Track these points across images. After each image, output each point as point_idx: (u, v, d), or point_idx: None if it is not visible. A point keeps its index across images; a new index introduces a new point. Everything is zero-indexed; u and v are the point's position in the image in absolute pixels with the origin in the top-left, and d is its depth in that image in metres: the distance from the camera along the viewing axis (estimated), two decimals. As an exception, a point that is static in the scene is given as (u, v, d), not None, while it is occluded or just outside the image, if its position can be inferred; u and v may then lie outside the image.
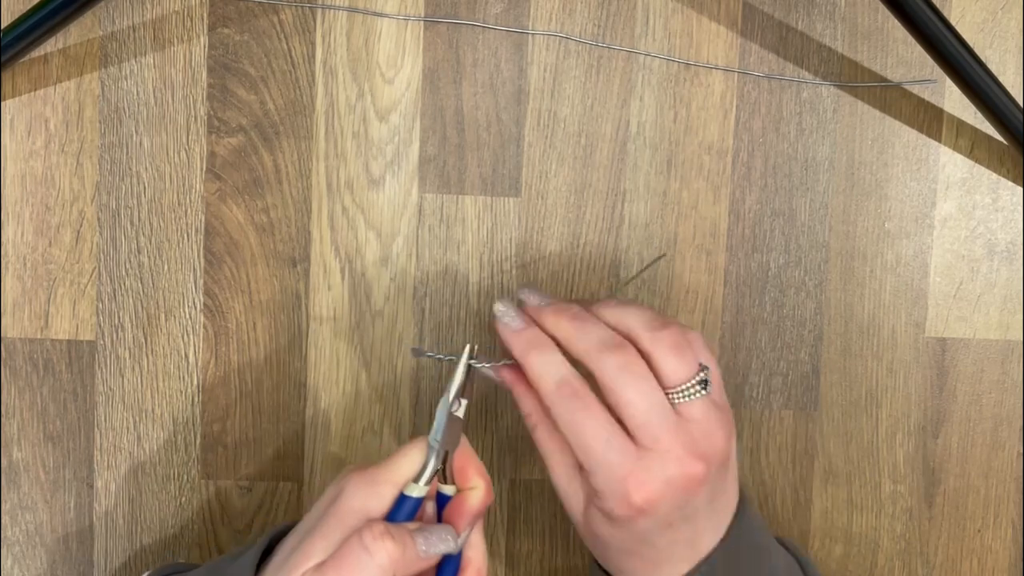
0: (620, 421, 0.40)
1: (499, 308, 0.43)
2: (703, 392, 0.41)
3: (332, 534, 0.39)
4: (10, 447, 0.53)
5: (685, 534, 0.42)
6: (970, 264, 0.55)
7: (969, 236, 0.55)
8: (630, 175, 0.54)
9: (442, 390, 0.54)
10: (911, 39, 0.49)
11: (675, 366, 0.40)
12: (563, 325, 0.42)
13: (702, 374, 0.41)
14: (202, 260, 0.53)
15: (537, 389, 0.42)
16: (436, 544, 0.40)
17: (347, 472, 0.41)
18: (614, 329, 0.42)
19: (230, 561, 0.43)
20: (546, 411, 0.42)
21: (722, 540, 0.43)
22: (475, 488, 0.42)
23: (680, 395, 0.41)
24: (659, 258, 0.51)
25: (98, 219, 0.53)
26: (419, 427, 0.54)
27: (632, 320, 0.41)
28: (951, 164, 0.54)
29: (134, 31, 0.52)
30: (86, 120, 0.52)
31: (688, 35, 0.53)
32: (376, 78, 0.53)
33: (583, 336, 0.41)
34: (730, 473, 0.43)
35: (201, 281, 0.53)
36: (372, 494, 0.40)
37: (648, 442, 0.40)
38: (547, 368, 0.41)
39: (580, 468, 0.42)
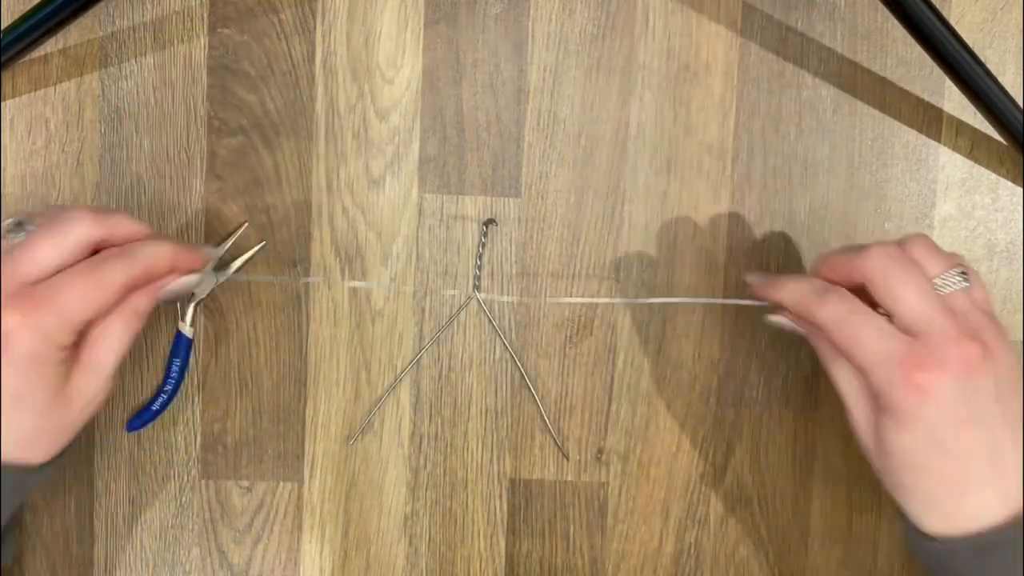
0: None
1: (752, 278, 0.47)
2: (964, 283, 0.42)
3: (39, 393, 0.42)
4: (10, 447, 0.53)
5: (981, 441, 0.39)
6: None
7: (969, 236, 0.55)
8: (630, 175, 0.54)
9: (443, 391, 0.54)
10: (911, 39, 0.49)
11: (931, 261, 0.42)
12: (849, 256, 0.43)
13: (959, 267, 0.42)
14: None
15: (810, 315, 0.43)
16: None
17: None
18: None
19: None
20: (827, 336, 0.42)
21: None
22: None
23: (942, 284, 0.42)
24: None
25: (98, 219, 0.53)
26: (419, 427, 0.54)
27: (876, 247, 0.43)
28: (951, 164, 0.54)
29: (134, 31, 0.52)
30: (86, 120, 0.52)
31: (688, 35, 0.53)
32: (376, 78, 0.53)
33: (869, 254, 0.42)
34: (1020, 385, 0.41)
35: (201, 281, 0.53)
36: (53, 325, 0.42)
37: (921, 327, 0.40)
38: (810, 290, 0.43)
39: (864, 379, 0.41)
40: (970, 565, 0.39)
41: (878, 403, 0.41)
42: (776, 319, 0.46)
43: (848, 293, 0.42)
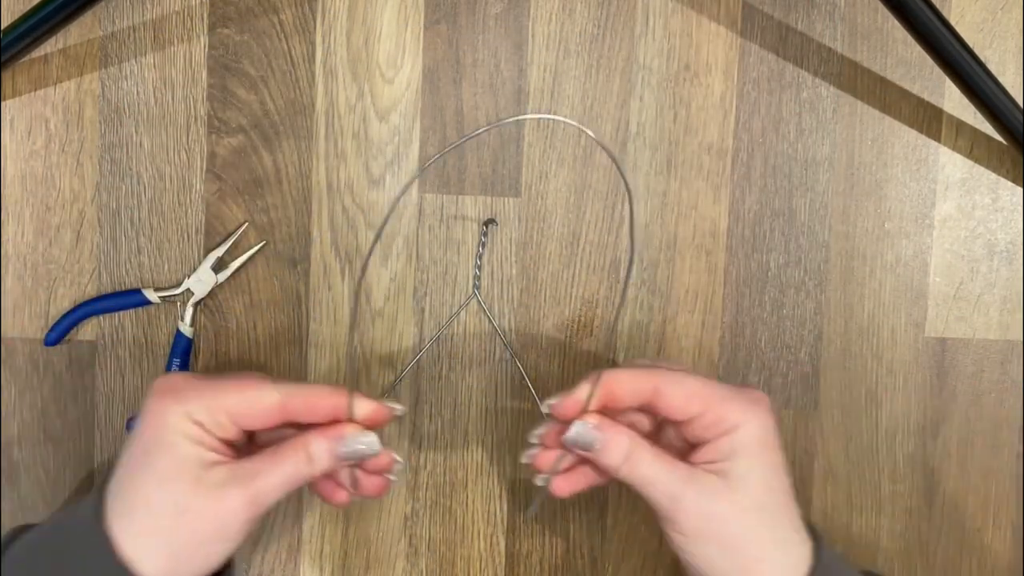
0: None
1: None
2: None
3: (172, 478, 0.40)
4: (10, 447, 0.53)
5: (785, 509, 0.43)
6: (970, 264, 0.55)
7: (969, 236, 0.55)
8: (630, 175, 0.54)
9: (443, 391, 0.54)
10: (911, 39, 0.49)
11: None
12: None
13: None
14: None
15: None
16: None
17: (157, 391, 0.42)
18: None
19: (69, 512, 0.43)
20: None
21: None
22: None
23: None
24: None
25: (98, 219, 0.53)
26: (419, 427, 0.54)
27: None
28: (951, 164, 0.54)
29: (134, 31, 0.52)
30: (86, 120, 0.52)
31: (688, 35, 0.53)
32: (376, 78, 0.53)
33: None
34: None
35: (201, 281, 0.53)
36: (203, 413, 0.41)
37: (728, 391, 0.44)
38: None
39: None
40: None
41: (712, 427, 0.43)
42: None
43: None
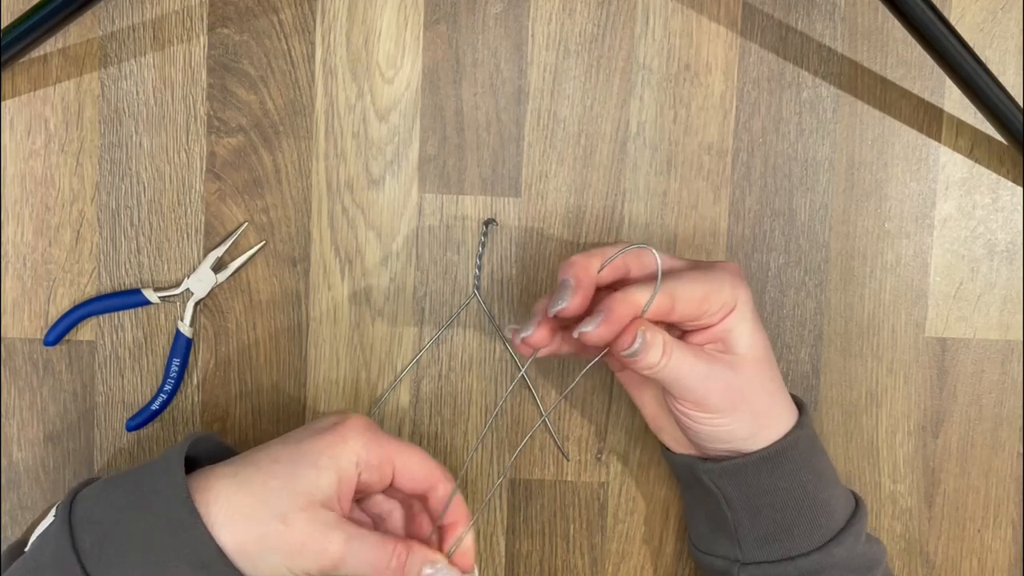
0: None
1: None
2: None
3: (327, 472, 0.43)
4: (10, 447, 0.53)
5: (775, 375, 0.48)
6: (970, 264, 0.55)
7: (969, 236, 0.55)
8: (630, 175, 0.54)
9: (443, 391, 0.54)
10: (911, 39, 0.49)
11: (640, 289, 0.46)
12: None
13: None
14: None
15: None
16: None
17: (353, 414, 0.45)
18: None
19: (152, 466, 0.44)
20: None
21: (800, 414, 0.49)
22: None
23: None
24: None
25: (98, 219, 0.53)
26: (418, 426, 0.54)
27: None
28: (951, 164, 0.54)
29: (134, 31, 0.52)
30: (86, 120, 0.52)
31: (688, 35, 0.53)
32: (376, 78, 0.53)
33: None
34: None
35: (201, 281, 0.53)
36: (374, 451, 0.44)
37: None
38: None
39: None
40: (766, 467, 0.47)
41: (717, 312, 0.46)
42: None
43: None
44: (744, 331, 0.46)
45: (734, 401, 0.46)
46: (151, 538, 0.41)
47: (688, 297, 0.45)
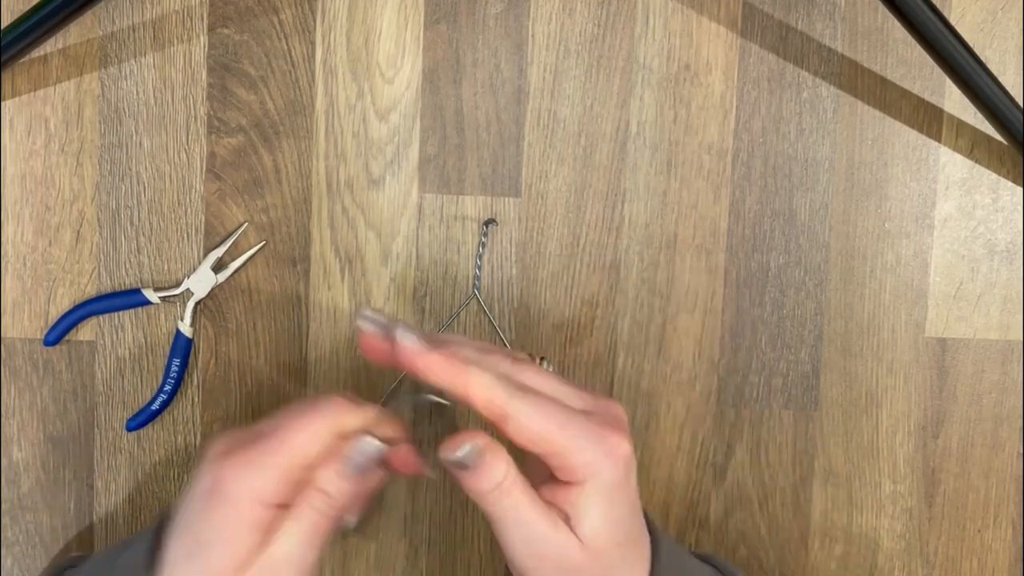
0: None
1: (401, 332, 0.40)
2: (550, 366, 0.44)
3: (232, 530, 0.38)
4: (10, 447, 0.53)
5: (634, 534, 0.40)
6: (970, 264, 0.55)
7: (969, 236, 0.55)
8: (630, 175, 0.54)
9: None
10: (911, 39, 0.49)
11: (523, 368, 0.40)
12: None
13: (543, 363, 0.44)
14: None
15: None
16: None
17: (216, 455, 0.39)
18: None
19: (120, 551, 0.42)
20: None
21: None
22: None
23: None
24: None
25: (98, 219, 0.53)
26: (418, 426, 0.54)
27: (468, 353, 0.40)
28: (951, 164, 0.54)
29: (134, 31, 0.52)
30: (86, 120, 0.52)
31: (688, 35, 0.53)
32: (376, 78, 0.53)
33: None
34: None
35: (201, 281, 0.53)
36: (258, 476, 0.38)
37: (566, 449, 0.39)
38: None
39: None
40: None
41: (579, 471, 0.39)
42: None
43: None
44: (592, 512, 0.38)
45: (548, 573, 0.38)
46: None
47: (526, 426, 0.37)
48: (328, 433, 0.39)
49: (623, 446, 0.38)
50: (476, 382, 0.38)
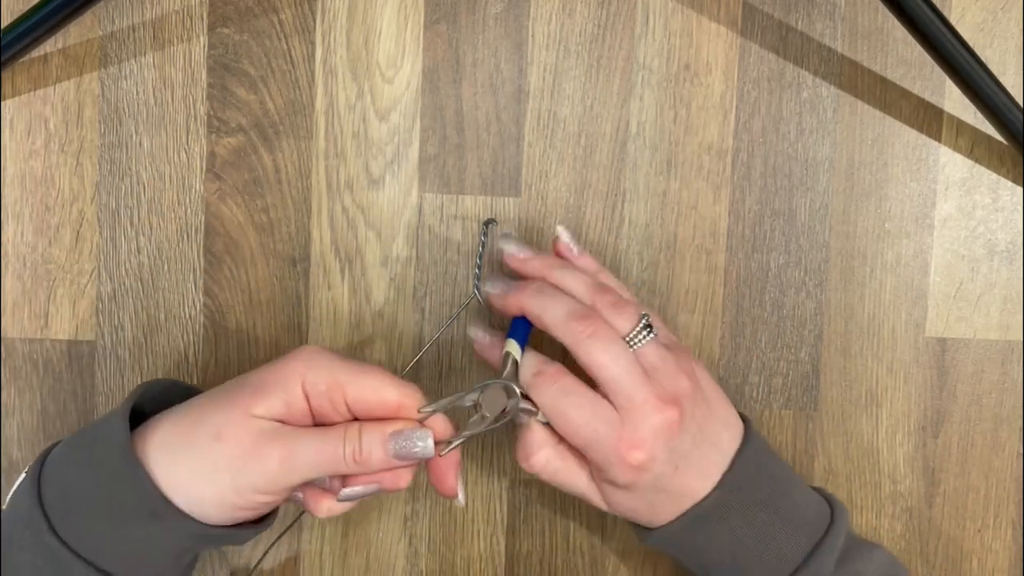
0: (596, 385, 0.44)
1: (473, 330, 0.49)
2: (651, 335, 0.44)
3: (270, 395, 0.41)
4: (10, 447, 0.53)
5: (691, 470, 0.45)
6: (970, 264, 0.55)
7: (969, 236, 0.55)
8: (630, 175, 0.54)
9: (443, 391, 0.54)
10: (911, 39, 0.49)
11: (620, 321, 0.44)
12: (530, 303, 0.45)
13: (645, 319, 0.45)
14: (202, 260, 0.53)
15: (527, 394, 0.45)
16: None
17: (307, 346, 0.43)
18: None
19: (100, 421, 0.44)
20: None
21: (728, 469, 0.45)
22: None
23: (632, 342, 0.44)
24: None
25: (98, 219, 0.53)
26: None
27: (575, 287, 0.45)
28: (951, 164, 0.54)
29: (134, 31, 0.52)
30: (86, 120, 0.52)
31: (688, 35, 0.53)
32: (376, 78, 0.53)
33: (551, 310, 0.44)
34: (713, 405, 0.46)
35: (201, 281, 0.53)
36: (321, 375, 0.41)
37: (623, 401, 0.43)
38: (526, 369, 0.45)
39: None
40: (689, 533, 0.45)
41: (596, 468, 0.45)
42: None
43: (557, 371, 0.44)
44: (610, 494, 0.46)
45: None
46: (102, 494, 0.41)
47: (559, 425, 0.44)
48: (395, 402, 0.42)
49: (634, 455, 0.43)
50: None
